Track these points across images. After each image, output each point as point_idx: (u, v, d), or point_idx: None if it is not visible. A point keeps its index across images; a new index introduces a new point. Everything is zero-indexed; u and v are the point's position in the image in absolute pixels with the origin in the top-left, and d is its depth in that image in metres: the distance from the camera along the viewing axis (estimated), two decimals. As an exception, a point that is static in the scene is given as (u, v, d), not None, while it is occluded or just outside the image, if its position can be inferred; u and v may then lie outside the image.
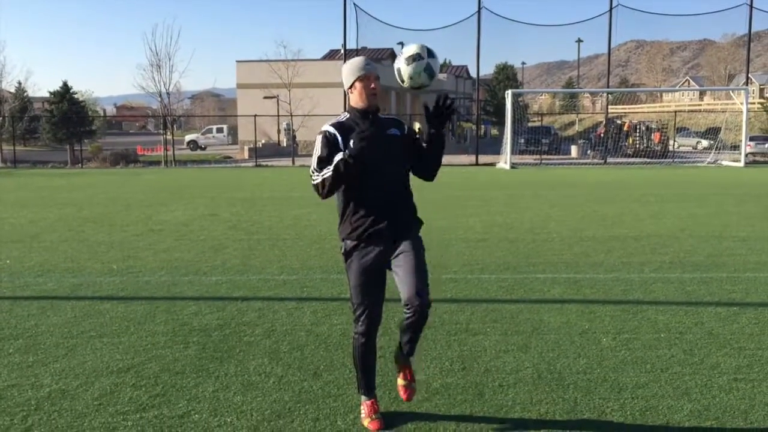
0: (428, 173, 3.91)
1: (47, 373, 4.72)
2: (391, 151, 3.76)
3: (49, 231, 11.09)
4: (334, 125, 3.78)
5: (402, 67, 3.73)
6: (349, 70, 3.77)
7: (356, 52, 35.14)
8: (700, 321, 5.85)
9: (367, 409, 3.98)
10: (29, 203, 15.33)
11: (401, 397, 4.01)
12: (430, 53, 3.74)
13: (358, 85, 3.74)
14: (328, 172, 3.65)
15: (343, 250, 3.85)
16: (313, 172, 3.76)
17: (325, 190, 3.69)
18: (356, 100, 3.79)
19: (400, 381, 4.03)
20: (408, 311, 3.65)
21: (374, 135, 3.62)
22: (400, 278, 3.70)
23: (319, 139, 3.75)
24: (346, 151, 3.60)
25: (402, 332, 3.87)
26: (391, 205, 3.76)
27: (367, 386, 4.00)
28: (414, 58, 3.70)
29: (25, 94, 51.90)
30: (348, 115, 3.82)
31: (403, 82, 3.77)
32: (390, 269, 3.81)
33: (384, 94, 40.78)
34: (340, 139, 3.71)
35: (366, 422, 3.92)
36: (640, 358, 4.96)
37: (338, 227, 3.89)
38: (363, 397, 4.01)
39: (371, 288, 3.80)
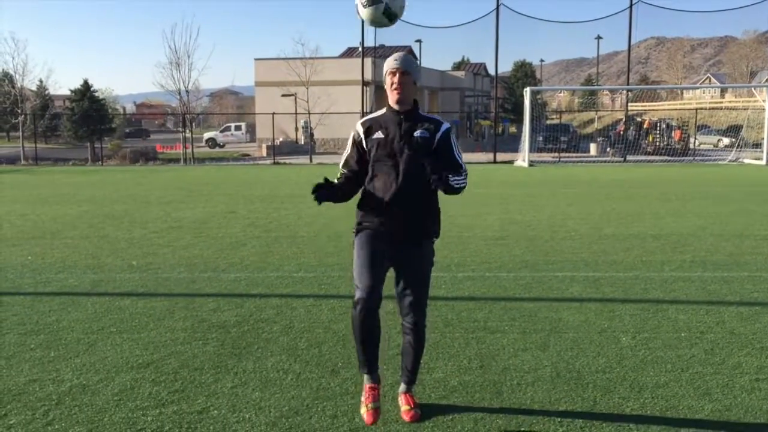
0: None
1: (68, 368, 4.77)
2: (410, 154, 3.66)
3: (70, 228, 11.21)
4: (364, 122, 3.81)
5: (360, 9, 3.47)
6: (385, 64, 3.74)
7: (374, 50, 35.16)
8: (721, 320, 5.79)
9: (365, 394, 3.82)
10: (50, 200, 15.49)
11: (404, 419, 3.89)
12: None
13: (387, 79, 3.72)
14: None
15: (354, 230, 3.87)
16: (340, 169, 3.90)
17: None
18: (388, 95, 3.76)
19: (404, 407, 3.94)
20: (405, 326, 3.87)
21: (394, 137, 3.70)
22: (398, 293, 3.84)
23: (350, 136, 3.84)
24: (318, 193, 3.64)
25: (402, 353, 3.95)
26: (398, 208, 3.70)
27: (368, 364, 3.75)
28: (372, 1, 3.45)
29: (47, 92, 52.46)
30: (384, 111, 3.81)
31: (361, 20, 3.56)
32: (392, 266, 3.82)
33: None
34: (363, 139, 3.77)
35: (362, 410, 3.81)
36: (660, 357, 4.91)
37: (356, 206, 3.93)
38: (364, 378, 3.84)
39: (373, 260, 3.68)
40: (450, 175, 3.62)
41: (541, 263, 8.10)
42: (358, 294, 3.64)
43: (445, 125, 3.78)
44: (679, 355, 4.94)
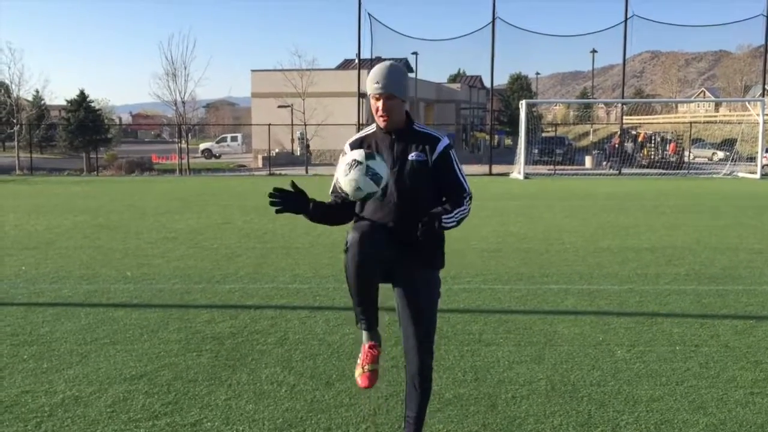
0: None
1: (61, 379, 4.74)
2: (403, 179, 3.27)
3: (64, 238, 11.17)
4: (353, 143, 3.42)
5: (342, 180, 3.16)
6: (368, 79, 3.29)
7: (370, 62, 35.26)
8: (716, 334, 5.79)
9: (363, 354, 3.35)
10: (45, 210, 15.45)
11: None
12: (369, 155, 3.16)
13: (371, 100, 3.29)
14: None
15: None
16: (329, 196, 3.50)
17: None
18: (375, 118, 3.36)
19: None
20: (409, 368, 3.41)
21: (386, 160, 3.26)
22: (402, 326, 3.40)
23: (340, 159, 3.37)
24: (310, 205, 3.31)
25: (406, 399, 3.47)
26: (397, 238, 3.26)
27: (366, 319, 3.29)
28: (351, 166, 3.12)
29: (42, 102, 52.48)
30: (373, 129, 3.41)
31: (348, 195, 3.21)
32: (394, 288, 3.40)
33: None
34: None
35: (357, 373, 3.36)
36: (655, 370, 4.91)
37: None
38: (363, 335, 3.36)
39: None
40: (444, 215, 3.21)
41: (536, 276, 8.10)
42: (351, 235, 3.16)
43: (444, 141, 3.32)
44: (673, 369, 4.94)
